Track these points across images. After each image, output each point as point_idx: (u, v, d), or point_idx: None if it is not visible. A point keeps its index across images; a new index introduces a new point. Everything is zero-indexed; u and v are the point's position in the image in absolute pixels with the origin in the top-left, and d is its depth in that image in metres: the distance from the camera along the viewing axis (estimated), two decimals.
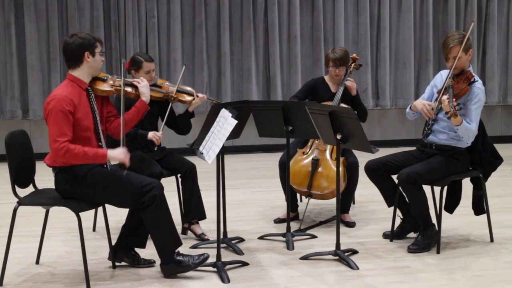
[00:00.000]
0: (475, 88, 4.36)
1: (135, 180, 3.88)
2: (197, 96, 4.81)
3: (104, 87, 4.06)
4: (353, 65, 5.33)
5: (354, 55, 5.44)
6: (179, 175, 4.91)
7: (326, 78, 5.35)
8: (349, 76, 5.26)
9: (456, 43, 4.31)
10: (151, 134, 4.71)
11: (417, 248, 4.39)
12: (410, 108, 4.60)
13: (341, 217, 5.14)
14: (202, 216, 4.83)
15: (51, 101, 3.78)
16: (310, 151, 5.12)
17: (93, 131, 3.94)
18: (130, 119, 4.13)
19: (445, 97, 4.19)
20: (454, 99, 4.16)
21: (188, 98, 4.77)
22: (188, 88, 4.85)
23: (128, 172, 3.89)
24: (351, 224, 5.11)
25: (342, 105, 5.05)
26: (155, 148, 4.80)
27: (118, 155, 3.87)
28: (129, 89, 4.23)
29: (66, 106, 3.76)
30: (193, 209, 4.78)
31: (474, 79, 4.37)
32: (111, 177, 3.89)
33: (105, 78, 4.10)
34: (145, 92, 4.22)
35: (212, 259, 4.10)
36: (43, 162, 3.93)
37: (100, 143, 3.98)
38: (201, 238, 4.75)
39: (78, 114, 3.83)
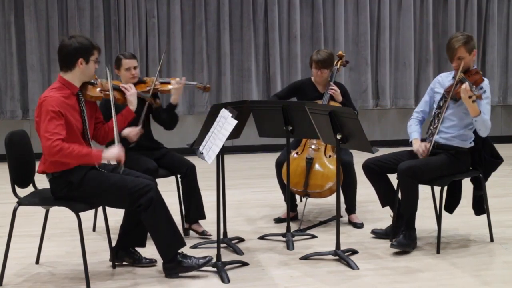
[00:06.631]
0: (483, 84, 4.41)
1: (132, 182, 3.85)
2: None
3: (93, 92, 4.03)
4: (339, 62, 5.34)
5: (340, 52, 5.45)
6: (179, 175, 4.91)
7: (313, 79, 5.34)
8: (337, 72, 5.28)
9: (461, 43, 4.36)
10: (126, 131, 4.42)
11: (397, 245, 4.38)
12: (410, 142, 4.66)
13: (349, 218, 5.20)
14: (202, 217, 4.85)
15: (43, 102, 3.74)
16: (304, 150, 5.13)
17: (81, 136, 3.89)
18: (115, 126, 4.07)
19: (464, 85, 4.21)
20: (473, 85, 4.23)
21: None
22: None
23: (124, 171, 3.89)
24: (358, 225, 5.10)
25: None
26: (130, 145, 4.54)
27: (113, 153, 3.85)
28: (117, 95, 4.24)
29: (58, 107, 3.71)
30: (193, 211, 4.80)
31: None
32: (106, 181, 3.84)
33: (95, 82, 4.08)
34: (132, 100, 4.31)
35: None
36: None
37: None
38: (204, 235, 4.77)
39: (67, 118, 3.77)
